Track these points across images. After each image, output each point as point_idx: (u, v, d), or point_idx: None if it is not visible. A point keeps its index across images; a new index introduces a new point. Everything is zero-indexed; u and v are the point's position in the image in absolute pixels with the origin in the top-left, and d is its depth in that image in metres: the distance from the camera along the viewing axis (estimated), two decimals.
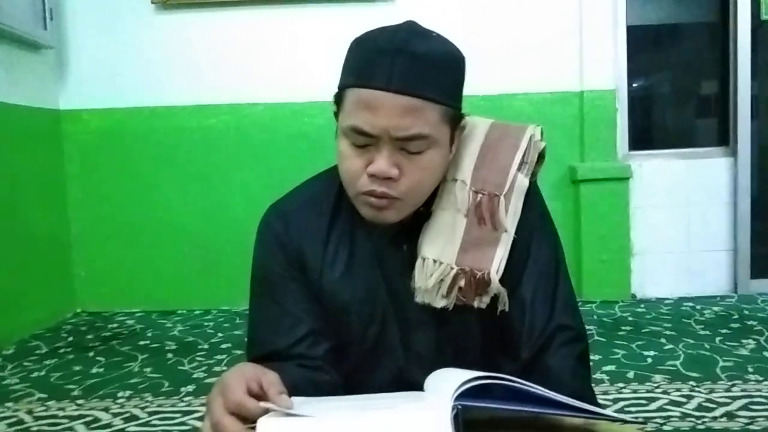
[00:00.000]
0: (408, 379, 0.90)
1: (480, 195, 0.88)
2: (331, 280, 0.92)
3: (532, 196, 0.91)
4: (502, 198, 0.87)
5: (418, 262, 0.88)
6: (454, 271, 0.86)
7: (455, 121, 0.87)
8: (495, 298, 0.88)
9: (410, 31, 0.84)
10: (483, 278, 0.86)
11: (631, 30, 3.40)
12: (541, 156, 0.92)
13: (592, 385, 0.94)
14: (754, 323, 2.86)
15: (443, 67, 0.83)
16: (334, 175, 0.94)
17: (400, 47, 0.81)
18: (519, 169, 0.89)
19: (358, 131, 0.82)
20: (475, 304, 0.88)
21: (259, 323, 0.94)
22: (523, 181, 0.89)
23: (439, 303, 0.88)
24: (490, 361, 0.89)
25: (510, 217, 0.88)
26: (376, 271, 0.92)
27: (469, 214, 0.88)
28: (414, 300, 0.89)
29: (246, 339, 0.96)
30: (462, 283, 0.86)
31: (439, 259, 0.87)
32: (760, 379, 2.18)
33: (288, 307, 0.92)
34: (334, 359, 0.93)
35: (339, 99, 0.87)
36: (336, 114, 0.90)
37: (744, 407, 1.96)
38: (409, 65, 0.80)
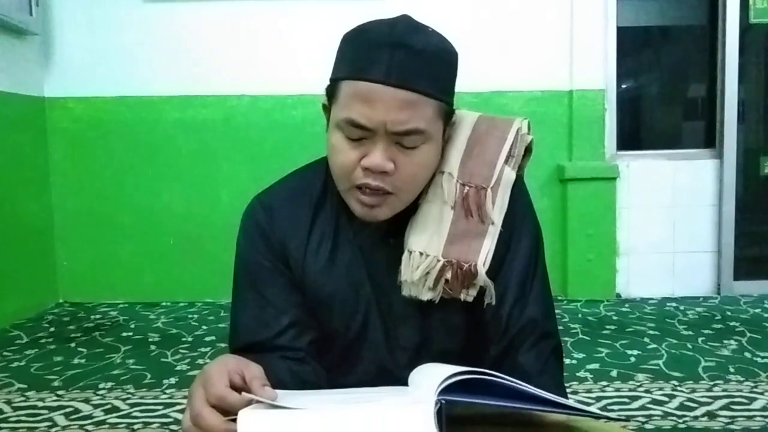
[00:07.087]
0: (391, 373, 0.90)
1: (467, 187, 0.87)
2: (313, 271, 0.91)
3: (517, 191, 0.90)
4: (489, 191, 0.87)
5: (405, 255, 0.87)
6: (440, 263, 0.85)
7: (448, 116, 0.87)
8: (482, 292, 0.87)
9: (407, 24, 0.83)
10: (470, 270, 0.85)
11: (621, 31, 3.42)
12: (528, 149, 0.92)
13: (564, 383, 0.93)
14: (737, 324, 2.88)
15: (439, 62, 0.83)
16: (320, 167, 0.94)
17: (398, 41, 0.80)
18: (506, 162, 0.88)
19: (354, 124, 0.81)
20: (462, 296, 0.87)
21: (243, 314, 0.93)
22: (510, 174, 0.88)
23: (426, 296, 0.86)
24: (473, 357, 0.88)
25: (497, 209, 0.87)
26: (360, 264, 0.91)
27: (456, 207, 0.87)
28: (399, 294, 0.88)
29: (229, 330, 0.96)
30: (449, 275, 0.85)
31: (425, 251, 0.86)
32: (741, 379, 2.21)
33: (271, 299, 0.91)
34: (317, 351, 0.92)
35: (332, 91, 0.85)
36: (325, 106, 0.88)
37: (725, 407, 1.98)
38: (407, 59, 0.79)
